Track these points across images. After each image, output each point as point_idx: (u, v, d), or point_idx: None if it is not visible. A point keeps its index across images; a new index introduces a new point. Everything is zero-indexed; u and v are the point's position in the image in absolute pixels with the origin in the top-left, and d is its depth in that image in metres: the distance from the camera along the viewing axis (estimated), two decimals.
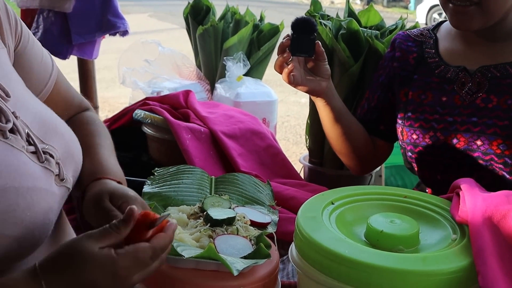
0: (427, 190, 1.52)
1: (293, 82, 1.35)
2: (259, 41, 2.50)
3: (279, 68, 1.35)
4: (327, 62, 1.39)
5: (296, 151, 4.56)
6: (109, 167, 1.04)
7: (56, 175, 0.92)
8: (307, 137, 1.79)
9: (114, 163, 1.07)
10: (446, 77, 1.38)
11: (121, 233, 0.78)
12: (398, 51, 1.46)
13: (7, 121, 0.86)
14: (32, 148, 0.89)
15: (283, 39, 1.36)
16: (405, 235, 0.98)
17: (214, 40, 2.44)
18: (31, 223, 0.83)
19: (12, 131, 0.87)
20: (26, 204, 0.82)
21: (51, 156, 0.92)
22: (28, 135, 0.90)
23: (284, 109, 5.61)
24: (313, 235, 0.95)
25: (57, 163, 0.93)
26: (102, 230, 0.78)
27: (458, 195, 1.08)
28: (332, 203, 1.08)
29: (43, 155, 0.90)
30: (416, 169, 1.45)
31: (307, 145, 1.80)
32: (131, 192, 0.98)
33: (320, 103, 1.44)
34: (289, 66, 1.33)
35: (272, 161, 1.69)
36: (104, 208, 0.93)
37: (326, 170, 1.74)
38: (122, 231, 0.78)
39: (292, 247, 1.04)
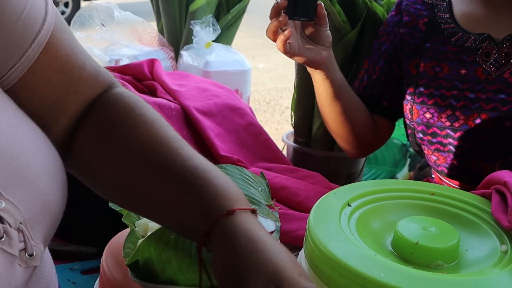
0: (433, 176, 1.33)
1: (289, 51, 1.13)
2: (228, 3, 2.25)
3: (273, 35, 1.13)
4: (328, 28, 1.17)
5: None
6: (226, 185, 0.66)
7: (21, 250, 0.57)
8: (292, 113, 1.57)
9: (215, 169, 0.69)
10: (465, 46, 1.18)
11: None
12: (407, 15, 1.25)
13: None
14: None
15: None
16: (445, 248, 0.79)
17: (178, 2, 2.18)
18: None
19: None
20: None
21: (9, 224, 0.56)
22: None
23: None
24: (335, 251, 0.75)
25: (21, 231, 0.57)
26: None
27: (499, 193, 0.89)
28: (349, 205, 0.87)
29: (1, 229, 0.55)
30: (426, 152, 1.26)
31: (293, 122, 1.58)
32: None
33: (318, 76, 1.22)
34: (286, 32, 1.11)
35: (254, 142, 1.46)
36: None
37: (315, 151, 1.53)
38: None
39: (301, 261, 0.84)
